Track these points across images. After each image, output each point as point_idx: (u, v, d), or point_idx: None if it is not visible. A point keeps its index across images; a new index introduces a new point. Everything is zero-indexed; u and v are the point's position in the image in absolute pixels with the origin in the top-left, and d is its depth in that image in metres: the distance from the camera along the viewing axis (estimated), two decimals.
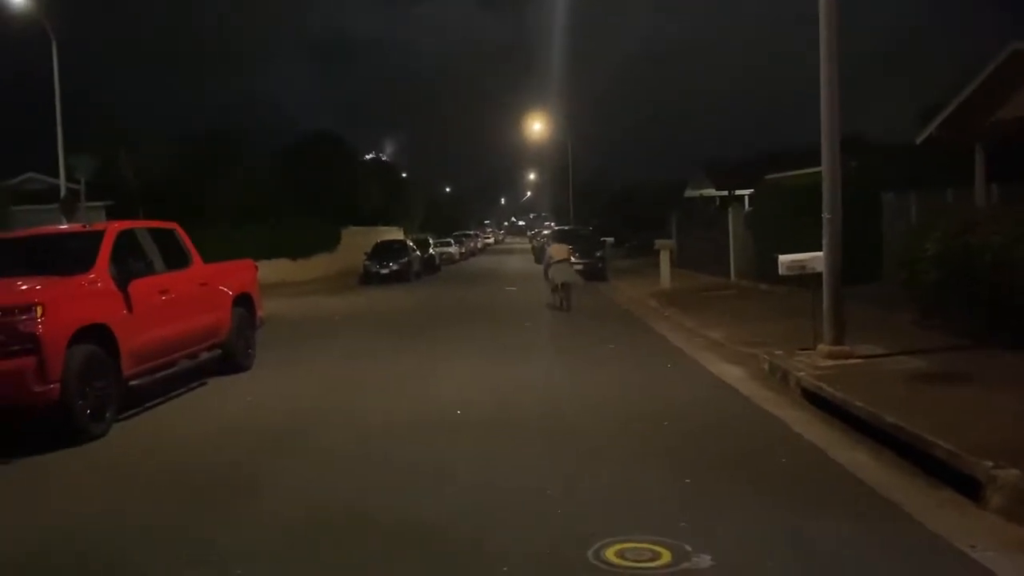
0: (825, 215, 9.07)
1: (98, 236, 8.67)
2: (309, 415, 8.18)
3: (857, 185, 13.51)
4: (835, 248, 9.02)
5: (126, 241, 8.93)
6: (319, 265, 33.73)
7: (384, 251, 31.45)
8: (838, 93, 9.00)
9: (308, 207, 35.29)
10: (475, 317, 16.94)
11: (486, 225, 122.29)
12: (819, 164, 9.37)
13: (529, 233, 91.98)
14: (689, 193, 40.48)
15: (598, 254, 27.75)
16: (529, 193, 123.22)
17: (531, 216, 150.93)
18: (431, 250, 38.79)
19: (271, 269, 24.15)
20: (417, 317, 17.68)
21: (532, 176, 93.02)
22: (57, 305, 7.25)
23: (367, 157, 52.21)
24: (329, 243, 35.43)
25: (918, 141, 16.24)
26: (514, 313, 17.44)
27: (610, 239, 36.41)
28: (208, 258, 10.75)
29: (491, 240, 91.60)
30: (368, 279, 29.71)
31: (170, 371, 9.15)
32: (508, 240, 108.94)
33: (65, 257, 8.65)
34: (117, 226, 9.16)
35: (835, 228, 9.02)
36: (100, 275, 8.17)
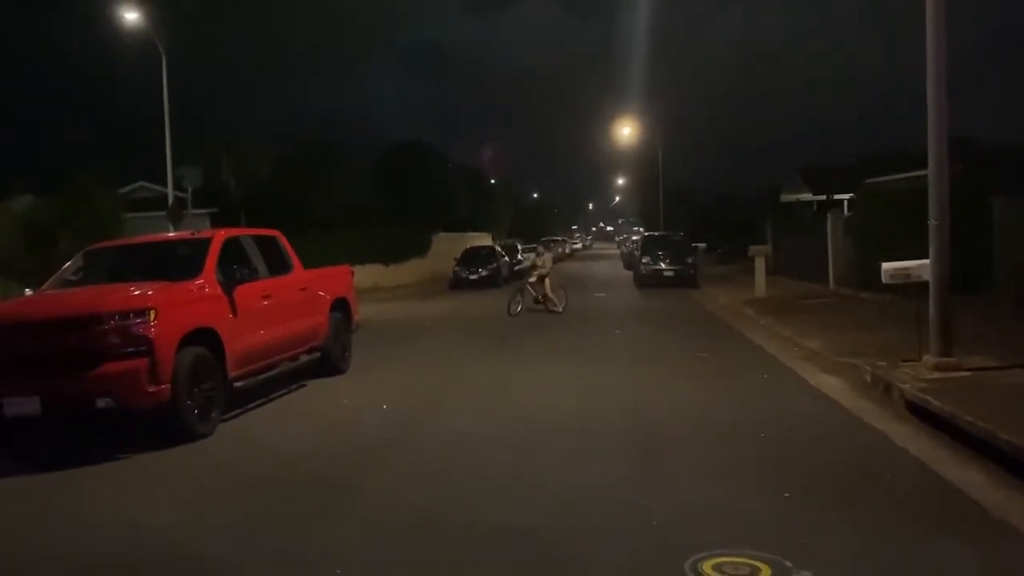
0: (932, 221, 8.70)
1: (206, 243, 9.04)
2: (402, 418, 8.33)
3: (966, 189, 12.91)
4: (942, 255, 8.64)
5: (231, 248, 9.28)
6: (411, 270, 34.35)
7: (473, 257, 31.87)
8: (945, 92, 8.62)
9: (400, 213, 35.97)
10: (564, 323, 16.93)
11: (573, 230, 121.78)
12: (924, 167, 9.00)
13: (617, 239, 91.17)
14: (785, 198, 39.43)
15: (689, 260, 27.33)
16: (618, 198, 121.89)
17: (619, 221, 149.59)
18: (519, 256, 38.96)
19: (365, 274, 24.71)
20: (506, 322, 17.77)
21: (621, 181, 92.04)
22: (169, 309, 7.60)
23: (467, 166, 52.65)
24: (420, 249, 36.07)
25: None
26: (603, 319, 17.34)
27: (702, 245, 35.78)
28: (305, 262, 11.02)
29: (579, 246, 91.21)
30: (458, 284, 30.11)
31: (271, 373, 9.46)
32: (596, 246, 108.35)
33: (175, 263, 9.06)
34: (223, 234, 9.50)
35: (942, 234, 8.64)
36: (208, 280, 8.52)
